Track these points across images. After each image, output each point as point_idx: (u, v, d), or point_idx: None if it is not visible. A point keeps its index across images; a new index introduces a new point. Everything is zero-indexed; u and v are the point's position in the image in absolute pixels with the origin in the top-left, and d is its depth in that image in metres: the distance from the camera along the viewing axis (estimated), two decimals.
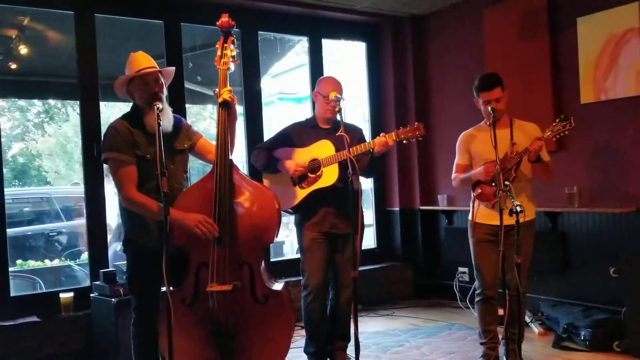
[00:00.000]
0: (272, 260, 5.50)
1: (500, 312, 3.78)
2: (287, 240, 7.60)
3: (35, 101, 8.70)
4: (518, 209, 3.02)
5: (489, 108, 3.45)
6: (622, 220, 4.31)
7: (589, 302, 4.47)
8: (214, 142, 3.06)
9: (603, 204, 4.42)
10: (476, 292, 3.79)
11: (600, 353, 3.94)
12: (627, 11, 4.24)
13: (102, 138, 2.99)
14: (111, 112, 6.63)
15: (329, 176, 3.58)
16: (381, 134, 3.46)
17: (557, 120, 3.45)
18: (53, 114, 9.17)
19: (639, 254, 4.04)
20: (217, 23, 3.12)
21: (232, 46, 3.07)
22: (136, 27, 5.21)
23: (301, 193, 3.66)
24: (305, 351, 3.86)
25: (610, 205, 4.36)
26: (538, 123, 3.71)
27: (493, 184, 3.37)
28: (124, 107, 3.20)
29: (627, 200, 4.27)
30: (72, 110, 8.76)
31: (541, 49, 4.77)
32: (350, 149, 3.37)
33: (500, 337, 3.75)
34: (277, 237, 3.10)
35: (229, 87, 3.03)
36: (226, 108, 2.99)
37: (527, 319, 4.54)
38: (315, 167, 3.64)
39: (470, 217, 3.74)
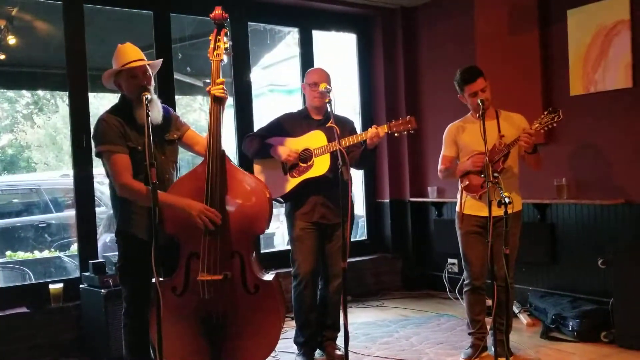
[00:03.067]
0: (262, 252, 5.51)
1: (489, 302, 3.81)
2: (278, 232, 7.60)
3: (24, 92, 8.63)
4: (507, 200, 3.04)
5: (478, 100, 3.47)
6: (611, 212, 4.35)
7: (577, 293, 4.51)
8: (203, 134, 3.07)
9: (591, 195, 4.45)
10: (464, 282, 3.83)
11: (588, 343, 3.98)
12: (617, 3, 4.25)
13: (93, 132, 2.99)
14: (100, 103, 6.59)
15: (320, 166, 3.59)
16: (373, 126, 3.48)
17: (545, 113, 3.47)
18: (42, 105, 9.11)
19: (626, 245, 4.09)
20: (211, 15, 3.14)
21: (225, 38, 3.10)
22: (125, 18, 5.17)
23: (292, 182, 3.67)
24: (295, 341, 3.88)
25: (598, 197, 4.39)
26: (527, 115, 3.73)
27: (482, 175, 3.39)
28: (113, 99, 3.19)
29: (616, 192, 4.31)
30: (61, 102, 8.70)
31: (531, 40, 4.78)
32: (343, 140, 3.40)
33: (488, 327, 3.78)
34: (268, 227, 3.11)
35: (222, 79, 3.04)
36: (218, 101, 3.00)
37: (516, 310, 4.58)
38: (306, 156, 3.65)
39: (457, 209, 3.77)
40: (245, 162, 4.33)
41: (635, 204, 4.21)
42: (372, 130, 3.44)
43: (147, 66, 2.97)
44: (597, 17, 4.38)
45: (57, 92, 8.01)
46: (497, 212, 3.14)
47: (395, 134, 3.49)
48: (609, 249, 4.05)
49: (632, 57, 4.20)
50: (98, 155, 2.96)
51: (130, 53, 2.95)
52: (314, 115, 3.80)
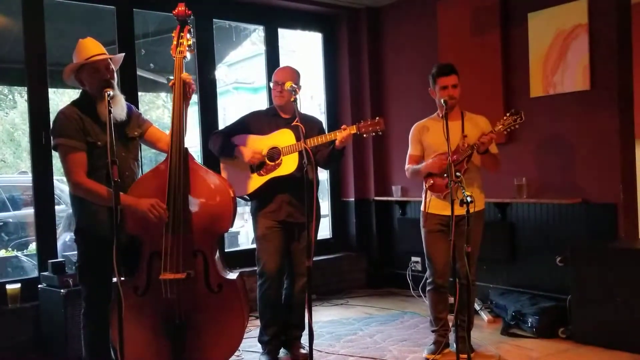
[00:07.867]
0: (227, 250, 5.47)
1: (451, 300, 3.87)
2: (242, 231, 7.58)
3: None
4: (469, 199, 3.09)
5: (442, 100, 3.51)
6: (568, 211, 4.46)
7: (536, 290, 4.60)
8: (166, 131, 3.04)
9: (550, 195, 4.55)
10: (427, 280, 3.87)
11: (546, 339, 4.07)
12: (576, 7, 4.36)
13: (52, 125, 2.95)
14: (60, 99, 6.45)
15: (288, 165, 3.58)
16: (342, 127, 3.49)
17: (507, 114, 3.53)
18: None
19: (583, 244, 4.20)
20: (174, 12, 3.11)
21: (188, 35, 3.08)
22: (87, 12, 5.07)
23: (259, 180, 3.65)
24: (260, 340, 3.86)
25: (557, 196, 4.49)
26: (488, 116, 3.80)
27: (445, 175, 3.43)
28: (73, 94, 3.14)
29: (573, 192, 4.41)
30: (19, 97, 8.50)
31: (493, 43, 4.86)
32: (313, 139, 3.41)
33: (450, 324, 3.84)
34: (232, 226, 3.10)
35: (188, 75, 3.02)
36: (183, 96, 2.97)
37: (477, 307, 4.65)
38: (274, 155, 3.64)
39: (422, 208, 3.81)
40: (211, 160, 4.29)
41: (592, 203, 4.33)
42: (342, 132, 3.46)
43: (109, 60, 2.92)
44: (556, 20, 4.48)
45: (16, 87, 7.82)
46: (461, 211, 3.18)
47: (364, 135, 3.52)
48: (566, 247, 4.14)
49: (589, 60, 4.30)
50: (54, 147, 2.90)
51: (92, 47, 2.91)
52: (281, 114, 3.79)
